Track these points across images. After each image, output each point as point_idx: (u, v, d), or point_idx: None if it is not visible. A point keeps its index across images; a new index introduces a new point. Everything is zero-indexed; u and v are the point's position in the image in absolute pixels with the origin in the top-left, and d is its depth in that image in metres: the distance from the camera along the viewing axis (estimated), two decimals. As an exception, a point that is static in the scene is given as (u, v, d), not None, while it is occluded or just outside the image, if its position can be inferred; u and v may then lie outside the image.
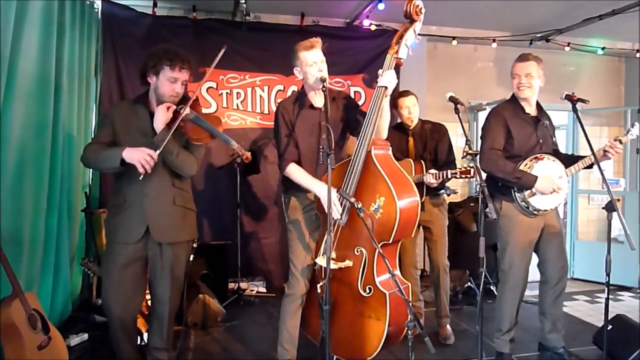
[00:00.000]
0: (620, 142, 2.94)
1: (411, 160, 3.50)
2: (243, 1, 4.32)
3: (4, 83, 2.67)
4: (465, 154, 2.72)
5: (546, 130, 3.09)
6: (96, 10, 4.39)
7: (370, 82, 5.07)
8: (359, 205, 2.22)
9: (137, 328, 2.95)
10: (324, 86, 2.43)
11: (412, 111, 3.56)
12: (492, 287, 4.62)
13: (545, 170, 2.97)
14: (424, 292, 4.12)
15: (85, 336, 3.43)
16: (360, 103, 4.33)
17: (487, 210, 2.51)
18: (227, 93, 4.81)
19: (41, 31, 3.14)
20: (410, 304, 2.11)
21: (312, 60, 2.59)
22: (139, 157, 2.32)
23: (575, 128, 5.74)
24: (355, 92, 5.06)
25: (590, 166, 3.03)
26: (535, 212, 2.99)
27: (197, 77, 4.64)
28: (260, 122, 4.88)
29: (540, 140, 3.06)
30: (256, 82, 4.87)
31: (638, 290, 5.05)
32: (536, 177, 2.93)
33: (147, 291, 2.84)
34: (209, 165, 4.74)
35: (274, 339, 2.93)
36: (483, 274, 2.48)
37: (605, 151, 2.95)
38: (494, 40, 5.39)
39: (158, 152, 2.36)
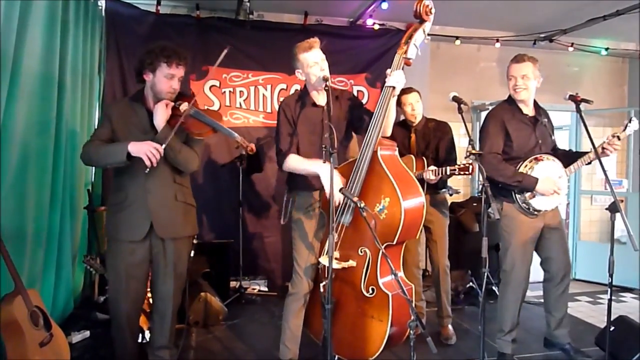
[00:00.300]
0: (619, 138, 2.92)
1: (412, 157, 3.50)
2: (246, 0, 4.31)
3: (7, 81, 2.67)
4: (468, 153, 2.71)
5: (545, 129, 3.08)
6: (100, 8, 4.40)
7: (373, 81, 5.07)
8: (362, 205, 2.22)
9: (139, 326, 2.96)
10: (326, 85, 2.43)
11: (416, 108, 3.56)
12: (494, 288, 4.61)
13: (545, 171, 2.97)
14: (425, 292, 4.12)
15: (87, 333, 3.43)
16: (362, 102, 4.32)
17: (490, 210, 2.51)
18: (230, 91, 4.81)
19: (45, 29, 3.14)
20: (413, 305, 2.11)
21: (313, 61, 2.59)
22: (146, 149, 2.33)
23: (578, 128, 5.73)
24: (358, 91, 5.05)
25: (589, 163, 3.03)
26: (535, 213, 2.99)
27: (200, 76, 4.69)
28: (263, 121, 4.88)
29: (540, 141, 3.06)
30: (259, 81, 4.87)
31: (640, 292, 5.04)
32: (537, 179, 2.92)
33: (148, 289, 2.84)
34: (212, 164, 4.74)
35: (275, 338, 2.93)
36: (485, 274, 2.48)
37: (603, 148, 2.93)
38: (497, 40, 5.38)
39: (164, 146, 2.37)
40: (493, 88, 5.77)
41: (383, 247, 2.20)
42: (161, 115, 2.47)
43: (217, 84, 4.77)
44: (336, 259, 2.45)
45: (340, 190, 2.36)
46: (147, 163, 2.33)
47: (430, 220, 3.54)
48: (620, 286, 5.05)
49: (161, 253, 2.60)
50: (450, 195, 3.78)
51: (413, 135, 3.60)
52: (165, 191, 2.57)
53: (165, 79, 2.49)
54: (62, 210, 3.46)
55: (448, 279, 3.65)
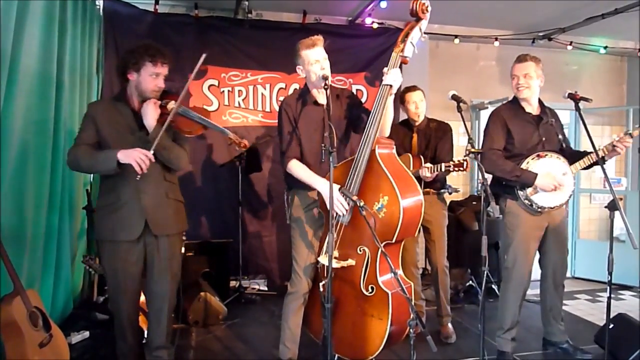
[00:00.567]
0: (631, 135, 2.92)
1: (410, 155, 3.50)
2: (245, -1, 4.32)
3: (5, 80, 2.67)
4: (468, 152, 2.71)
5: (551, 128, 3.08)
6: (98, 7, 4.39)
7: (372, 80, 5.07)
8: (361, 204, 2.21)
9: (140, 327, 2.96)
10: (326, 84, 2.42)
11: (419, 106, 3.56)
12: (493, 286, 4.61)
13: (546, 167, 2.97)
14: (425, 291, 4.12)
15: (87, 334, 3.42)
16: (362, 101, 4.32)
17: (489, 208, 2.50)
18: (228, 91, 4.80)
19: (43, 28, 3.13)
20: (413, 303, 2.11)
21: (315, 59, 2.59)
22: (135, 156, 2.33)
23: (577, 127, 5.72)
24: (357, 90, 5.05)
25: (596, 163, 3.00)
26: (539, 210, 2.99)
27: (198, 75, 4.68)
28: (262, 120, 4.88)
29: (543, 139, 3.06)
30: (258, 80, 4.86)
31: (639, 289, 5.04)
32: (536, 174, 2.94)
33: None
34: (211, 163, 4.74)
35: (275, 337, 2.93)
36: (485, 272, 2.48)
37: (614, 145, 2.93)
38: (496, 39, 5.38)
39: (152, 150, 2.37)
40: (492, 87, 5.77)
41: (382, 245, 2.20)
42: (152, 115, 2.48)
43: (216, 83, 4.76)
44: (335, 258, 2.45)
45: (340, 189, 2.37)
46: (138, 169, 2.33)
47: (428, 221, 3.53)
48: (620, 284, 5.06)
49: (155, 251, 2.61)
50: (450, 194, 3.78)
51: (415, 135, 3.60)
52: (157, 190, 2.58)
53: (151, 77, 2.50)
54: (60, 210, 3.45)
55: (447, 278, 3.65)
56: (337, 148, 2.46)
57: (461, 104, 2.86)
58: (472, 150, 2.61)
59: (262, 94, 4.88)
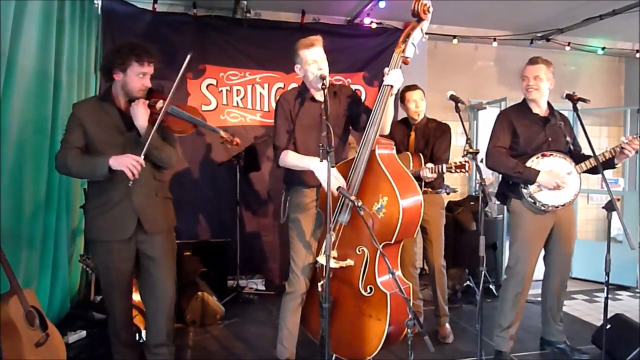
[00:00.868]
0: None
1: (409, 154, 3.50)
2: (243, -2, 4.32)
3: (3, 79, 2.66)
4: (466, 152, 2.71)
5: (558, 130, 3.09)
6: (96, 6, 4.38)
7: (370, 80, 5.07)
8: (359, 204, 2.21)
9: (135, 325, 2.96)
10: (323, 84, 2.42)
11: (419, 105, 3.57)
12: (491, 286, 4.62)
13: (550, 166, 2.99)
14: (423, 291, 4.12)
15: (84, 333, 3.42)
16: (361, 99, 4.32)
17: (487, 209, 2.51)
18: (227, 90, 4.79)
19: (41, 27, 3.13)
20: (411, 303, 2.11)
21: (312, 59, 2.58)
22: (127, 162, 2.33)
23: (575, 127, 5.71)
24: (355, 90, 5.04)
25: (608, 166, 3.02)
26: (543, 208, 3.00)
27: (197, 74, 4.68)
28: (261, 120, 4.88)
29: (549, 139, 3.08)
30: (256, 80, 4.86)
31: (637, 290, 5.05)
32: (538, 171, 2.96)
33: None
34: (209, 162, 4.73)
35: (273, 337, 2.92)
36: (483, 272, 2.48)
37: (622, 148, 2.94)
38: (494, 39, 5.39)
39: (143, 154, 2.37)
40: (490, 87, 5.78)
41: (381, 246, 2.20)
42: (143, 116, 2.47)
43: (214, 83, 4.76)
44: (334, 258, 2.45)
45: (338, 189, 2.36)
46: (130, 175, 2.33)
47: (426, 220, 3.52)
48: (617, 284, 5.07)
49: (149, 248, 2.62)
50: (448, 194, 3.78)
51: (413, 134, 3.60)
52: (147, 189, 2.58)
53: (137, 77, 2.48)
54: (58, 209, 3.45)
55: (444, 278, 3.65)
56: (335, 146, 2.45)
57: (459, 104, 2.86)
58: (471, 150, 2.61)
59: (261, 93, 4.87)
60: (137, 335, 3.07)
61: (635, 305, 4.50)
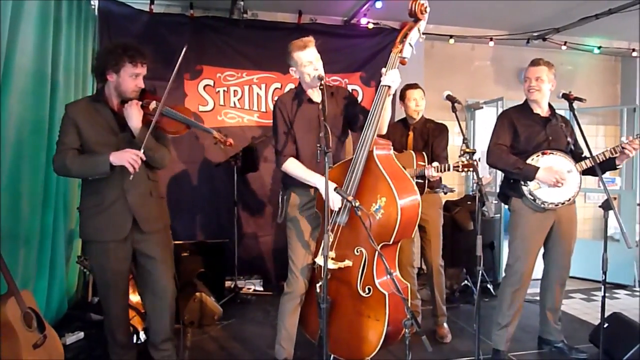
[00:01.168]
0: None
1: (412, 152, 3.50)
2: (240, -1, 4.32)
3: (0, 79, 2.65)
4: (462, 152, 2.71)
5: (559, 130, 3.11)
6: (93, 7, 4.38)
7: (367, 80, 5.07)
8: (357, 204, 2.21)
9: (133, 326, 2.95)
10: (321, 84, 2.42)
11: (420, 104, 3.58)
12: (489, 286, 4.63)
13: (550, 163, 3.01)
14: (421, 290, 4.12)
15: (81, 334, 3.41)
16: (358, 100, 4.33)
17: (484, 208, 2.51)
18: (224, 91, 4.79)
19: (38, 28, 3.12)
20: (409, 303, 2.11)
21: (307, 60, 2.58)
22: (127, 157, 2.37)
23: (572, 126, 5.74)
24: (352, 90, 5.04)
25: (609, 167, 3.04)
26: (543, 206, 3.00)
27: (194, 75, 4.68)
28: (258, 120, 4.88)
29: (550, 138, 3.10)
30: (253, 80, 4.86)
31: (634, 288, 5.07)
32: (537, 168, 2.98)
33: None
34: (207, 163, 4.73)
35: (271, 338, 2.93)
36: (480, 272, 2.49)
37: (623, 148, 2.96)
38: (491, 39, 5.40)
39: (142, 150, 2.40)
40: (487, 87, 5.79)
41: (379, 246, 2.20)
42: (137, 117, 2.49)
43: (212, 83, 4.75)
44: (332, 258, 2.45)
45: (336, 189, 2.36)
46: (131, 170, 2.37)
47: (424, 220, 3.53)
48: (614, 283, 5.08)
49: (145, 247, 2.64)
50: (445, 193, 3.79)
51: (411, 134, 3.60)
52: (141, 189, 2.60)
53: (131, 78, 2.50)
54: (55, 210, 3.44)
55: (442, 278, 3.65)
56: (333, 147, 2.45)
57: (456, 104, 2.86)
58: (467, 150, 2.62)
59: (258, 94, 4.87)
60: (134, 336, 3.07)
61: (632, 304, 4.51)
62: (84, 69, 4.12)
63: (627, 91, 6.20)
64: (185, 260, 4.11)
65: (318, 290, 2.45)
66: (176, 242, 3.84)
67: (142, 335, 3.17)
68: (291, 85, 4.75)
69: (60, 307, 3.62)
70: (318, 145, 2.30)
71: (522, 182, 3.03)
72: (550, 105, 3.19)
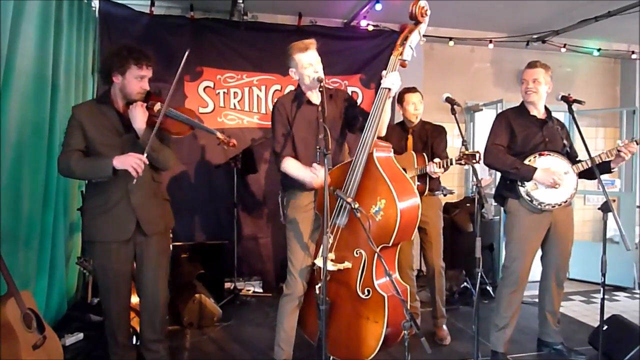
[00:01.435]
0: (637, 142, 2.95)
1: (413, 153, 3.50)
2: (241, 1, 4.32)
3: (1, 81, 2.66)
4: (461, 154, 2.71)
5: (555, 131, 3.13)
6: (93, 9, 4.38)
7: (367, 82, 5.08)
8: (356, 206, 2.22)
9: (132, 327, 2.95)
10: (321, 86, 2.42)
11: (418, 108, 3.58)
12: (488, 288, 4.62)
13: (547, 164, 3.02)
14: (420, 292, 4.12)
15: (81, 335, 3.42)
16: (357, 102, 4.33)
17: (484, 210, 2.51)
18: (224, 92, 4.80)
19: (38, 29, 3.13)
20: (408, 305, 2.11)
21: (308, 62, 2.58)
22: (131, 162, 2.38)
23: (571, 129, 5.74)
24: (352, 92, 5.05)
25: (605, 170, 3.03)
26: (539, 207, 3.01)
27: (195, 77, 4.69)
28: (258, 122, 4.88)
29: (546, 139, 3.11)
30: (253, 82, 4.87)
31: (634, 291, 5.07)
32: (535, 168, 2.99)
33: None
34: (206, 164, 4.73)
35: (270, 339, 2.93)
36: (479, 274, 2.49)
37: (618, 151, 2.96)
38: (490, 41, 5.41)
39: (146, 153, 2.42)
40: (486, 89, 5.80)
41: (379, 248, 2.20)
42: (141, 118, 2.51)
43: (212, 85, 4.76)
44: (332, 260, 2.45)
45: (335, 192, 2.37)
46: (134, 174, 2.38)
47: (425, 221, 3.52)
48: (614, 285, 5.08)
49: (145, 249, 2.65)
50: (445, 195, 3.79)
51: (410, 137, 3.61)
52: (145, 190, 2.61)
53: (136, 80, 2.53)
54: (55, 211, 3.44)
55: (443, 280, 3.65)
56: (332, 149, 2.46)
57: (455, 107, 2.86)
58: (467, 152, 2.62)
59: (258, 95, 4.88)
60: (133, 337, 3.07)
61: (632, 306, 4.51)
62: (84, 71, 4.13)
63: (627, 93, 6.20)
64: (185, 261, 4.11)
65: (317, 291, 2.45)
66: (175, 243, 3.85)
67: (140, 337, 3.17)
68: (291, 87, 4.74)
69: (60, 308, 3.62)
70: (317, 147, 2.31)
71: (519, 183, 3.04)
72: (546, 108, 3.21)
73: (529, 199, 3.01)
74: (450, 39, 5.33)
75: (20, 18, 2.88)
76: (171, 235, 3.15)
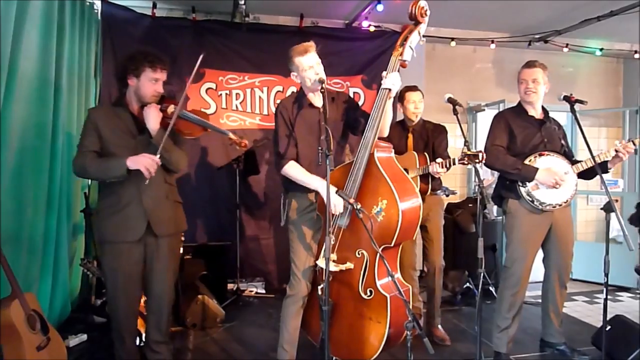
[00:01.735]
0: (634, 142, 2.96)
1: (415, 153, 3.50)
2: (242, 2, 4.32)
3: (4, 83, 2.67)
4: (463, 154, 2.71)
5: (553, 132, 3.13)
6: (96, 11, 4.40)
7: (369, 83, 5.08)
8: (358, 207, 2.22)
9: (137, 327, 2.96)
10: (322, 87, 2.43)
11: (418, 107, 3.58)
12: (490, 288, 4.62)
13: (548, 164, 3.01)
14: (422, 293, 4.12)
15: (84, 337, 3.43)
16: (359, 104, 4.33)
17: (486, 211, 2.51)
18: (226, 94, 4.81)
19: (41, 31, 3.14)
20: (410, 306, 2.11)
21: (308, 65, 2.59)
22: (144, 162, 2.43)
23: (573, 129, 5.75)
24: (354, 93, 5.06)
25: (603, 170, 2.99)
26: (540, 207, 3.01)
27: (197, 78, 4.69)
28: (260, 123, 4.89)
29: (545, 139, 3.11)
30: (255, 83, 4.87)
31: (637, 291, 5.05)
32: (537, 169, 2.98)
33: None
34: (209, 166, 4.74)
35: (273, 340, 2.93)
36: (482, 274, 2.49)
37: (616, 151, 2.96)
38: (492, 42, 5.40)
39: (159, 154, 2.45)
40: (488, 89, 5.80)
41: (381, 249, 2.21)
42: (154, 119, 2.55)
43: (214, 87, 4.77)
44: (334, 261, 2.45)
45: (337, 192, 2.37)
46: (147, 174, 2.42)
47: (426, 219, 3.53)
48: (617, 285, 5.07)
49: (155, 251, 2.67)
50: (447, 196, 3.79)
51: (410, 136, 3.61)
52: (157, 192, 2.63)
53: (150, 83, 2.57)
54: (59, 213, 3.45)
55: (441, 280, 3.64)
56: (333, 151, 2.47)
57: (457, 107, 2.87)
58: (469, 152, 2.62)
59: (260, 97, 4.89)
60: (137, 338, 3.08)
61: (635, 307, 4.50)
62: (87, 73, 4.14)
63: (629, 93, 6.19)
64: (188, 262, 4.12)
65: (320, 292, 2.45)
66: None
67: (144, 336, 3.18)
68: (293, 89, 4.77)
69: (64, 310, 3.63)
70: (320, 148, 2.31)
71: (520, 183, 3.03)
72: (543, 108, 3.20)
73: (530, 199, 3.01)
74: (452, 39, 5.33)
75: (23, 20, 2.89)
76: (183, 238, 3.18)
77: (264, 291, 4.80)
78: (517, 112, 3.20)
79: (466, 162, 2.93)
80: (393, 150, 2.65)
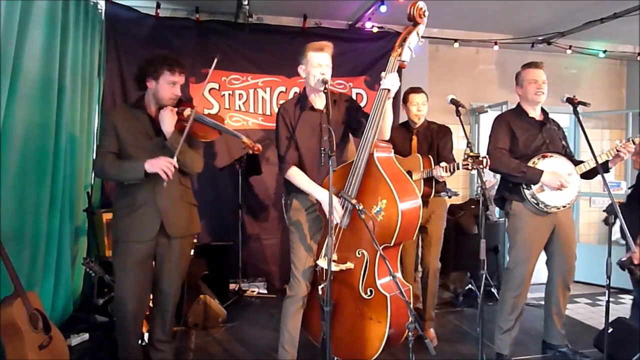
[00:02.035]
0: (634, 142, 2.96)
1: (419, 156, 3.48)
2: (246, 3, 4.33)
3: (7, 83, 2.69)
4: (466, 156, 2.70)
5: (554, 132, 3.12)
6: (100, 11, 4.41)
7: (372, 84, 5.08)
8: (360, 207, 2.22)
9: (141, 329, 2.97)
10: (325, 88, 2.43)
11: (421, 109, 3.56)
12: (492, 290, 4.62)
13: (552, 166, 3.01)
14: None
15: (86, 336, 3.44)
16: (362, 105, 4.34)
17: (488, 212, 2.51)
18: (229, 94, 4.82)
19: (45, 31, 3.15)
20: (411, 306, 2.11)
21: (318, 62, 2.60)
22: (161, 165, 2.47)
23: (576, 131, 5.74)
24: (357, 94, 5.06)
25: (605, 170, 2.98)
26: (545, 209, 3.00)
27: (200, 78, 4.71)
28: (262, 124, 4.90)
29: (547, 141, 3.10)
30: (258, 84, 4.88)
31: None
32: (542, 171, 2.97)
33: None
34: (211, 167, 4.74)
35: (274, 340, 2.94)
36: (484, 276, 2.48)
37: (617, 151, 2.96)
38: (495, 43, 5.40)
39: (176, 156, 2.49)
40: (491, 90, 5.79)
41: (381, 248, 2.21)
42: (170, 122, 2.59)
43: (217, 87, 4.78)
44: (334, 261, 2.46)
45: (340, 193, 2.37)
46: (164, 177, 2.46)
47: (427, 220, 3.52)
48: (619, 288, 5.04)
49: (166, 251, 2.71)
50: (449, 197, 3.78)
51: (415, 137, 3.59)
52: (172, 193, 2.67)
53: (168, 86, 2.62)
54: (61, 212, 3.47)
55: (437, 283, 3.62)
56: (334, 152, 2.47)
57: (460, 108, 2.86)
58: (471, 154, 2.61)
59: (263, 97, 4.89)
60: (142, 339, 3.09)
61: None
62: (90, 73, 4.15)
63: (633, 95, 6.17)
64: (190, 262, 4.11)
65: (320, 292, 2.46)
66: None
67: (147, 337, 3.18)
68: (296, 89, 4.77)
69: (66, 309, 3.64)
70: (322, 149, 2.32)
71: (524, 186, 3.02)
72: (542, 109, 3.19)
73: (535, 201, 3.00)
74: (455, 40, 5.34)
75: (27, 20, 2.90)
76: (195, 240, 3.20)
77: (265, 291, 4.80)
78: (518, 113, 3.18)
79: (470, 168, 2.90)
80: (393, 151, 2.64)
